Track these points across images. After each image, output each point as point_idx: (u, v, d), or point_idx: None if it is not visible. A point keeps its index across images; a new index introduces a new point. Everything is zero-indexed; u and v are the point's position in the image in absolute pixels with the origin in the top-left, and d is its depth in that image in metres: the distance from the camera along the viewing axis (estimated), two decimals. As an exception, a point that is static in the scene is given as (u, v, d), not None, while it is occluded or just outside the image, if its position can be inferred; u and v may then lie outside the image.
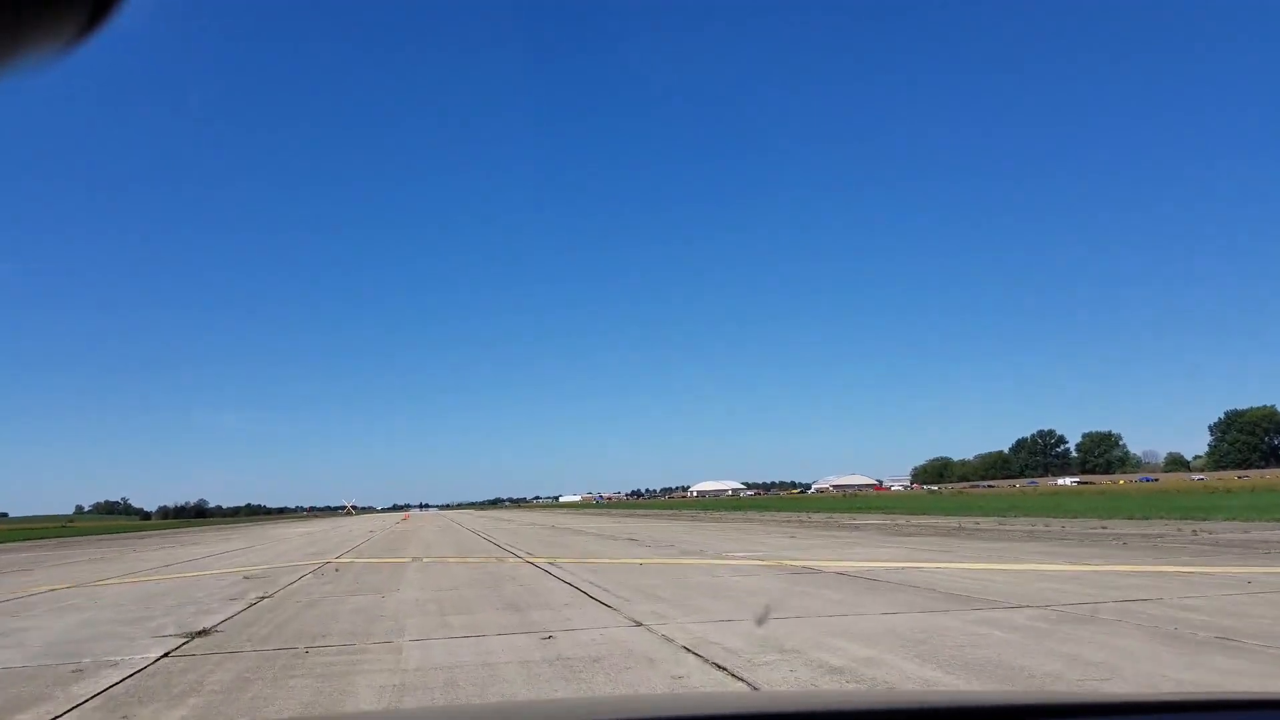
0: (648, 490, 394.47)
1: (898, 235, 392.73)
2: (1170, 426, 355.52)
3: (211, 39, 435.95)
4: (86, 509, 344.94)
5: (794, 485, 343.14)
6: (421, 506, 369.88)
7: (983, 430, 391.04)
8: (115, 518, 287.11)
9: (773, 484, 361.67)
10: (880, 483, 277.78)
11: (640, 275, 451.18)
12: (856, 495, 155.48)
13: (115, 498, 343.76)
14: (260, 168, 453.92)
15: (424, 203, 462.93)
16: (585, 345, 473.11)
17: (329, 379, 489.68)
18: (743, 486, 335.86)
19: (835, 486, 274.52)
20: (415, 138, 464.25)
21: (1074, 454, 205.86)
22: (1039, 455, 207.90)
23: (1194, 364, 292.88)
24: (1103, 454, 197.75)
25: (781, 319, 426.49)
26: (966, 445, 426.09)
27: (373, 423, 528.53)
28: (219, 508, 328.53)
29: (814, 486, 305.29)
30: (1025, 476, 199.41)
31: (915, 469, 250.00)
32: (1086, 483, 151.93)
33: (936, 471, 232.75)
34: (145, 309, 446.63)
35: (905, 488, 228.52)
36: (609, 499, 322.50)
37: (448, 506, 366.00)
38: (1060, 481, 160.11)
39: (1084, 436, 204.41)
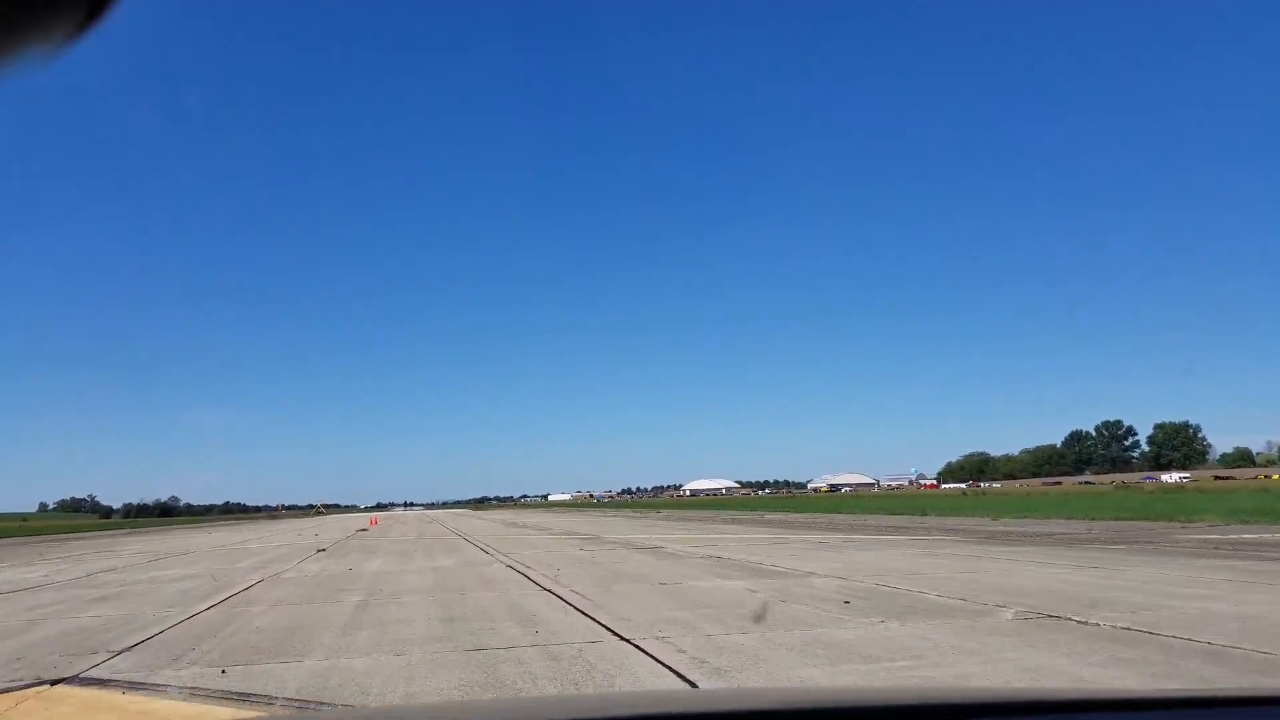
0: (639, 489, 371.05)
1: (899, 227, 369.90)
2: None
3: (201, 36, 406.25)
4: (51, 506, 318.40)
5: (788, 484, 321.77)
6: (406, 505, 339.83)
7: (998, 428, 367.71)
8: (79, 516, 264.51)
9: (768, 483, 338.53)
10: (886, 480, 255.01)
11: (634, 271, 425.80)
12: (951, 491, 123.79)
13: (82, 494, 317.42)
14: (248, 165, 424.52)
15: (415, 198, 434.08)
16: (575, 341, 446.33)
17: (314, 375, 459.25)
18: (737, 485, 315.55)
19: (832, 486, 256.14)
20: (411, 134, 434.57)
21: (1145, 447, 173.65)
22: (1105, 448, 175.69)
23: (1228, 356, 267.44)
24: (1180, 447, 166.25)
25: (779, 315, 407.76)
26: (982, 441, 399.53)
27: (357, 420, 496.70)
28: (188, 506, 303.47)
29: (810, 485, 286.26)
30: (1082, 473, 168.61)
31: (951, 465, 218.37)
32: (1224, 478, 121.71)
33: (975, 468, 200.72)
34: (133, 306, 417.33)
35: (932, 485, 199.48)
36: (615, 497, 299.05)
37: (433, 505, 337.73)
38: (1166, 478, 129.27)
39: (1156, 428, 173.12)
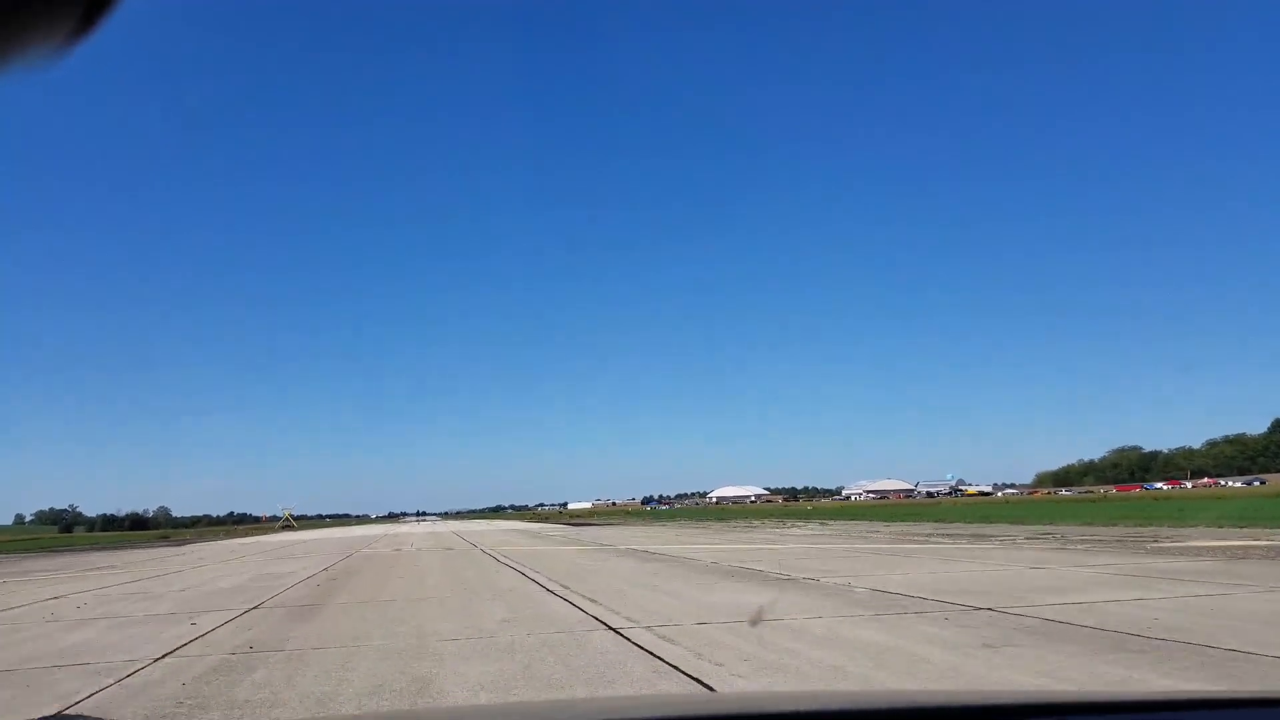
0: (661, 496, 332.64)
1: (900, 227, 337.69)
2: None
3: (201, 36, 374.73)
4: (29, 518, 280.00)
5: (817, 491, 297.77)
6: (419, 515, 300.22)
7: (1046, 435, 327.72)
8: (41, 529, 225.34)
9: (799, 490, 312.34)
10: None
11: (641, 272, 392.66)
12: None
13: (63, 505, 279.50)
14: (247, 165, 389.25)
15: (420, 201, 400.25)
16: (592, 344, 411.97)
17: (316, 381, 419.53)
18: (765, 492, 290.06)
19: (869, 492, 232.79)
20: (411, 135, 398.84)
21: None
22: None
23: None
24: None
25: (812, 314, 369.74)
26: (1021, 450, 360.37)
27: (369, 429, 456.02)
28: (169, 517, 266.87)
29: (845, 492, 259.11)
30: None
31: (1093, 463, 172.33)
32: None
33: (1135, 466, 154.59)
34: (133, 308, 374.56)
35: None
36: (638, 505, 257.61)
37: (448, 515, 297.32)
38: None
39: None
